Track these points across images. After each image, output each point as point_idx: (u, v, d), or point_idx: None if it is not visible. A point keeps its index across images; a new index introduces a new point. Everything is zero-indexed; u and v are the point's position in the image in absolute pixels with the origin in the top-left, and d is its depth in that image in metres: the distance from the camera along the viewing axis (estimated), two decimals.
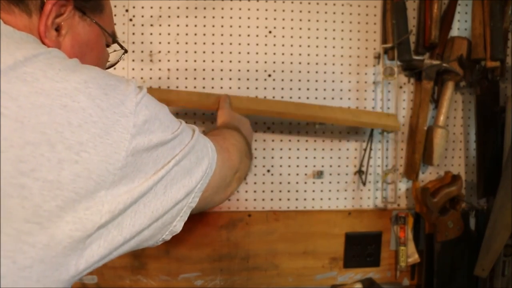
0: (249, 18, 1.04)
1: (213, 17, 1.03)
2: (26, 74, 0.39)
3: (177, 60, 1.02)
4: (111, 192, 0.41)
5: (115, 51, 0.64)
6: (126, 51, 0.65)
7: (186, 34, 1.02)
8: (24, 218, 0.37)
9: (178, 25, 1.02)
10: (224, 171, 0.59)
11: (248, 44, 1.05)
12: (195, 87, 1.02)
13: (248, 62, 1.05)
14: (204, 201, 0.54)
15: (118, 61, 0.67)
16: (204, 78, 1.03)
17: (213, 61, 1.03)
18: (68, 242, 0.39)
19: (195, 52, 1.03)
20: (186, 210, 0.51)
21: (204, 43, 1.03)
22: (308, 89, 1.07)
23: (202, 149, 0.53)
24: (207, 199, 0.55)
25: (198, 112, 1.03)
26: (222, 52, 1.04)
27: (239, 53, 1.04)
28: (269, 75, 1.06)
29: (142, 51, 1.01)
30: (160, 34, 1.01)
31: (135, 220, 0.44)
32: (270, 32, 1.05)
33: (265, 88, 1.05)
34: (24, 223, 0.37)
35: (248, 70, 1.05)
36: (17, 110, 0.37)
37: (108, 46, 0.60)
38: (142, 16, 1.00)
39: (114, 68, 0.96)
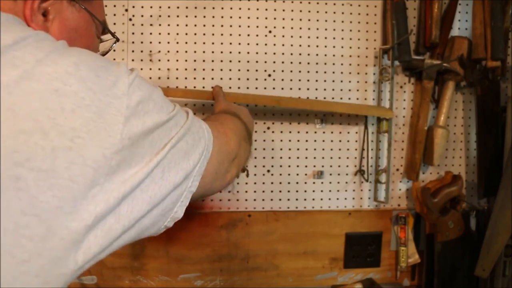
0: (249, 18, 1.04)
1: (213, 17, 1.03)
2: (15, 59, 0.37)
3: (177, 60, 1.02)
4: (109, 179, 0.39)
5: (108, 40, 0.63)
6: (117, 40, 0.64)
7: (186, 34, 1.02)
8: (21, 210, 0.36)
9: (178, 25, 1.01)
10: (221, 156, 0.58)
11: (248, 44, 1.04)
12: (194, 87, 1.02)
13: (248, 62, 1.05)
14: (203, 187, 0.52)
15: (109, 51, 0.65)
16: (204, 78, 1.03)
17: (213, 61, 1.03)
18: (65, 233, 0.37)
19: (195, 52, 1.02)
20: (186, 195, 0.49)
21: (204, 43, 1.03)
22: (308, 89, 1.07)
23: (198, 131, 0.52)
24: (206, 185, 0.54)
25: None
26: (222, 52, 1.03)
27: (239, 53, 1.04)
28: (269, 75, 1.06)
29: (141, 51, 1.01)
30: (160, 34, 1.01)
31: (132, 206, 0.42)
32: (270, 32, 1.05)
33: (265, 88, 1.05)
34: (22, 216, 0.36)
35: (248, 70, 1.05)
36: (8, 97, 0.36)
37: (98, 36, 0.59)
38: (142, 16, 1.00)
39: None
